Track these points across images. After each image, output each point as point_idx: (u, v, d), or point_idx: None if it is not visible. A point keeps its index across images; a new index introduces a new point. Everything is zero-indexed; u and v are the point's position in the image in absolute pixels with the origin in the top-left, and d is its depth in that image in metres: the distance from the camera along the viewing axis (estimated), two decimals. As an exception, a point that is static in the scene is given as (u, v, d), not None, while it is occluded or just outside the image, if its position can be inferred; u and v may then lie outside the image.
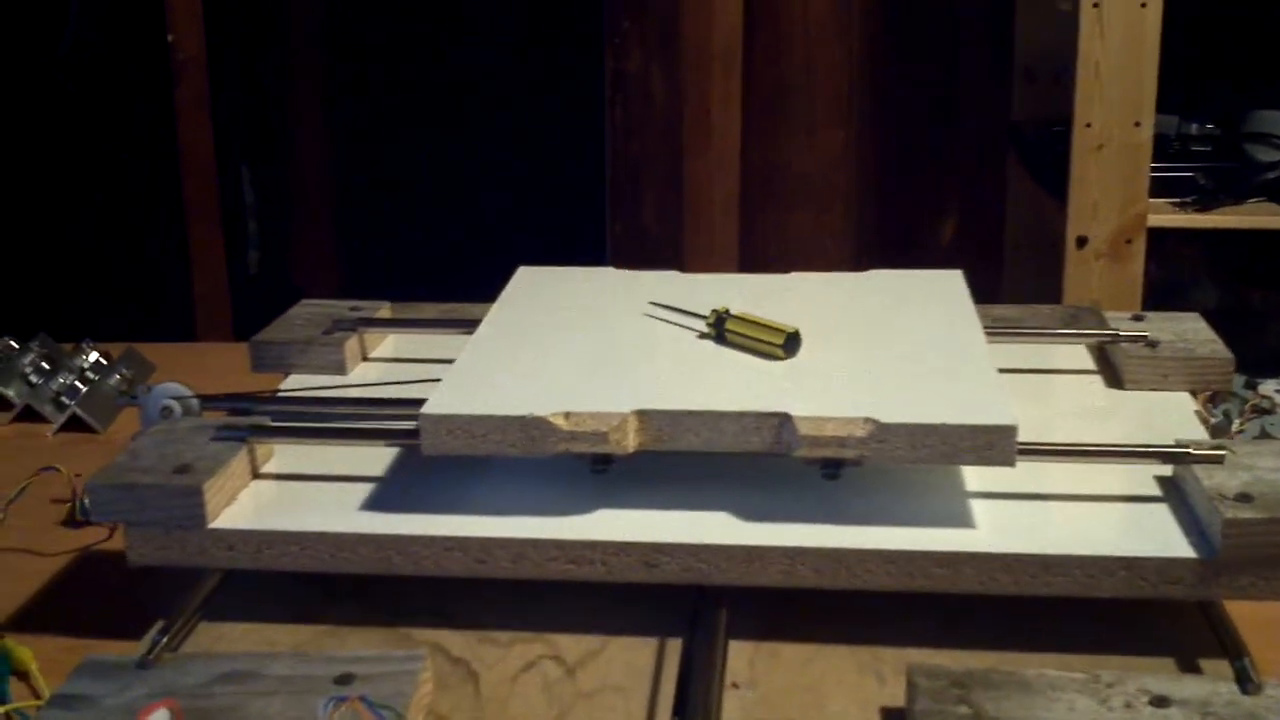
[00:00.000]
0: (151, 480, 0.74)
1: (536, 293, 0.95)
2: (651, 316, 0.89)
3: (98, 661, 0.70)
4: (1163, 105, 1.69)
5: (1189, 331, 0.91)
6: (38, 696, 0.74)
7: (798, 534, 0.73)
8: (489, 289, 0.97)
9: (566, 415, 0.73)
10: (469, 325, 0.99)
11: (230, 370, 0.96)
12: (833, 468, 0.74)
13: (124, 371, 1.18)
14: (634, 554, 0.73)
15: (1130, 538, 0.71)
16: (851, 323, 0.88)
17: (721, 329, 0.84)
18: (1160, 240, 1.79)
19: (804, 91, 2.20)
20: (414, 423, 0.83)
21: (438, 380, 0.85)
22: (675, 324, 0.87)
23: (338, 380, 0.91)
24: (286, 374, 0.93)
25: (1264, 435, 0.96)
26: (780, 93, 2.20)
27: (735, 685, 0.71)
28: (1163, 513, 0.73)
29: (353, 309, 0.97)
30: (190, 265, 2.21)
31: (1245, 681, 0.65)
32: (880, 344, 0.83)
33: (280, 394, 0.89)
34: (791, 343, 0.81)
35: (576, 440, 0.73)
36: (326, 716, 0.58)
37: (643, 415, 0.74)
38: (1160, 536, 0.71)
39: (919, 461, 0.71)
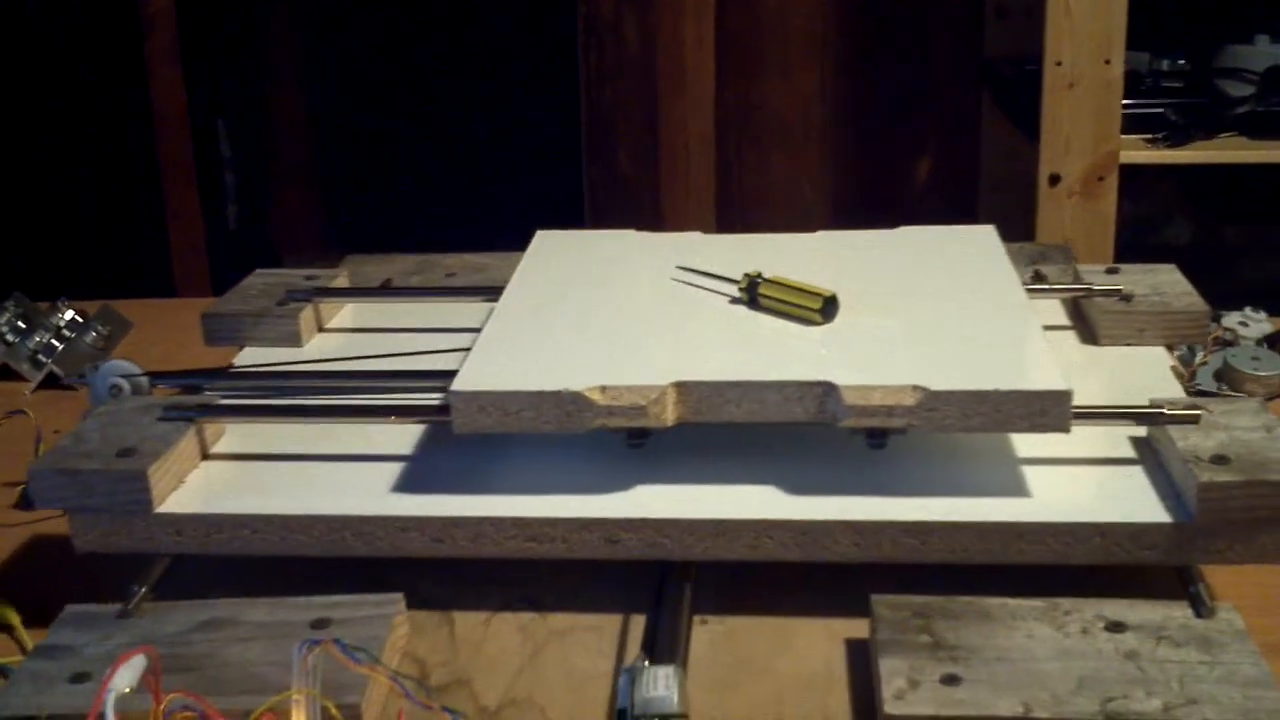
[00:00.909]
0: (94, 465, 0.70)
1: (558, 259, 0.90)
2: (680, 281, 0.84)
3: (79, 612, 0.68)
4: (1134, 42, 1.64)
5: (1164, 284, 0.86)
6: (23, 650, 0.71)
7: (763, 506, 0.69)
8: (467, 236, 0.93)
9: (603, 389, 0.69)
10: (427, 293, 0.95)
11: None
12: (878, 437, 0.69)
13: (100, 328, 1.14)
14: (595, 530, 0.69)
15: (1104, 503, 0.68)
16: (888, 284, 0.82)
17: (755, 293, 0.79)
18: (1134, 177, 1.75)
19: (777, 33, 2.15)
20: (367, 397, 0.79)
21: (391, 355, 0.81)
22: (705, 289, 0.82)
23: (293, 353, 0.87)
24: (241, 347, 0.88)
25: (1226, 368, 0.93)
26: (754, 34, 2.15)
27: (704, 621, 0.69)
28: (1138, 476, 0.70)
29: (308, 277, 0.92)
30: (166, 220, 2.15)
31: (1199, 605, 0.63)
32: (920, 306, 0.78)
33: (232, 370, 0.84)
34: (829, 307, 0.76)
35: (614, 415, 0.68)
36: (301, 660, 0.56)
37: (681, 387, 0.69)
38: (1135, 501, 0.67)
39: (969, 430, 0.67)
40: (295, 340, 0.88)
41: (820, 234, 0.92)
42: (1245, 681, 0.59)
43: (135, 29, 2.09)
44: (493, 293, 0.84)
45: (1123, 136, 1.66)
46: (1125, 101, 1.65)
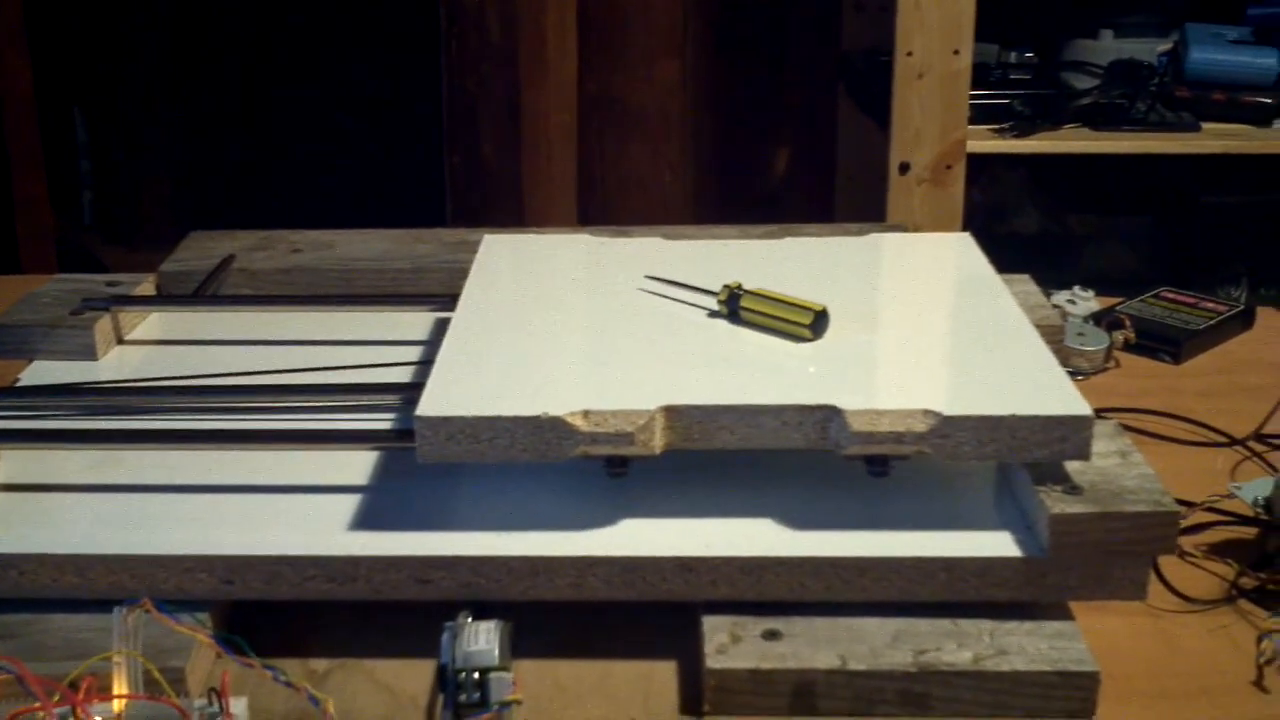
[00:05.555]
0: None
1: (511, 266, 0.79)
2: (649, 292, 0.74)
3: None
4: (983, 34, 1.59)
5: (1019, 295, 0.79)
6: None
7: (585, 543, 0.60)
8: (328, 223, 0.92)
9: (585, 414, 0.59)
10: (238, 301, 0.84)
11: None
12: (879, 464, 0.61)
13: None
14: (404, 570, 0.60)
15: (951, 536, 0.60)
16: (874, 297, 0.74)
17: (736, 306, 0.69)
18: (986, 166, 1.69)
19: (639, 23, 2.07)
20: (163, 420, 0.68)
21: (201, 377, 0.69)
22: (678, 300, 0.72)
23: (87, 367, 0.75)
24: (30, 361, 0.76)
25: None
26: (616, 24, 2.06)
27: None
28: (987, 506, 0.62)
29: (109, 284, 0.81)
30: (14, 208, 2.00)
31: None
32: (915, 322, 0.70)
33: (13, 387, 0.73)
34: (820, 322, 0.67)
35: (598, 442, 0.59)
36: (121, 620, 0.53)
37: (671, 411, 0.60)
38: (983, 534, 0.60)
39: (983, 458, 0.59)
40: (90, 353, 0.76)
41: (787, 240, 0.83)
42: (1053, 634, 0.57)
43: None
44: (307, 302, 0.74)
45: (970, 126, 1.61)
46: (973, 92, 1.60)
